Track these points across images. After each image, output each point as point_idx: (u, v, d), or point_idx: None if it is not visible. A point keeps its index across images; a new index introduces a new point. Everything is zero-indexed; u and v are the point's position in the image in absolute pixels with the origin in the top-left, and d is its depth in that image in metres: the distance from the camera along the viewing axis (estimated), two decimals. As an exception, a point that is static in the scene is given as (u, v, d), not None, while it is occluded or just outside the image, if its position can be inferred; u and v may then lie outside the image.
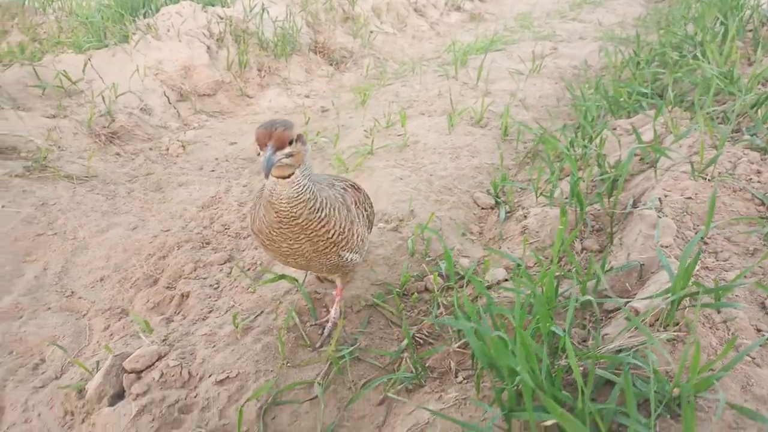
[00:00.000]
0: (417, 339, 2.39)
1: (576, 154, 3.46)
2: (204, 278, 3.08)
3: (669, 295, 1.71)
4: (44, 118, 4.42)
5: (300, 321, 2.45)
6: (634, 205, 2.70)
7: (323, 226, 1.94)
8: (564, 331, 1.69)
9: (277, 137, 1.71)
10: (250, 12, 6.37)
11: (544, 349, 1.48)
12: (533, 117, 4.60)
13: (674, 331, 1.71)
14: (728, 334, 1.69)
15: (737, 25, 4.75)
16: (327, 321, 2.46)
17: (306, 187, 1.86)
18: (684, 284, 1.68)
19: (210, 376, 2.24)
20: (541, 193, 3.25)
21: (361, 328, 2.45)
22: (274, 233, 1.94)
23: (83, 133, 4.51)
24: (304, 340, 2.38)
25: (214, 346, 2.40)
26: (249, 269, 3.08)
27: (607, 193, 2.81)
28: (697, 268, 2.02)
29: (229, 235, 3.49)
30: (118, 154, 4.51)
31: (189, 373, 2.28)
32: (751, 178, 2.55)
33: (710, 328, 1.73)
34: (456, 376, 2.09)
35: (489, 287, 2.54)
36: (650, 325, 1.78)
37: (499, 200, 3.46)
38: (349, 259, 2.14)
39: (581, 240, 2.69)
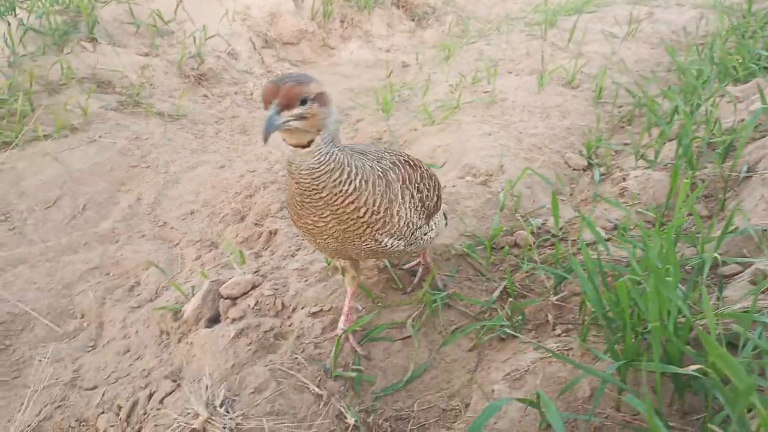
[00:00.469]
0: (508, 291, 2.34)
1: (681, 118, 3.26)
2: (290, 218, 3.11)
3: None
4: (138, 56, 4.54)
5: (390, 264, 2.44)
6: (749, 172, 2.52)
7: (351, 202, 1.63)
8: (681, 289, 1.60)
9: (284, 94, 1.43)
10: (335, -38, 6.29)
11: (674, 303, 1.40)
12: (628, 81, 4.36)
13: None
14: None
15: None
16: (418, 265, 2.44)
17: (331, 155, 1.56)
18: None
19: (303, 308, 2.28)
20: (641, 156, 3.08)
21: (450, 274, 2.42)
22: (298, 207, 1.69)
23: (173, 72, 4.62)
24: (395, 282, 2.37)
25: (306, 280, 2.43)
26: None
27: (720, 157, 2.64)
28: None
29: (313, 179, 3.51)
30: (205, 95, 4.60)
31: (282, 303, 2.32)
32: None
33: None
34: (554, 329, 2.04)
35: (587, 245, 2.45)
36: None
37: (592, 162, 3.32)
38: (390, 246, 1.78)
39: (693, 205, 2.54)
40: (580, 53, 4.88)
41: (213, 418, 1.75)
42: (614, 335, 1.61)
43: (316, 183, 1.58)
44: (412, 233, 1.85)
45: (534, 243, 2.55)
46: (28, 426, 2.05)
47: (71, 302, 2.68)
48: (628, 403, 1.42)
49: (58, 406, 2.14)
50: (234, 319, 2.26)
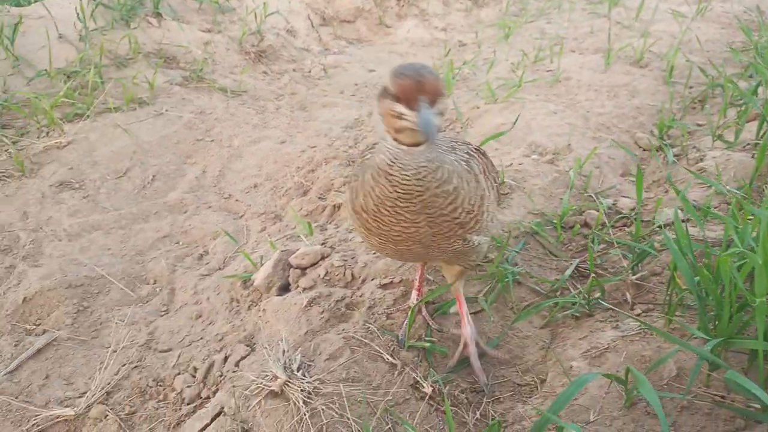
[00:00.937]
0: (580, 270, 2.30)
1: (762, 98, 3.10)
2: (354, 193, 3.12)
3: None
4: (200, 32, 4.61)
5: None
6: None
7: (451, 203, 1.49)
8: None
9: (430, 89, 1.27)
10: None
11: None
12: (700, 61, 4.17)
13: None
14: None
15: None
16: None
17: (437, 153, 1.44)
18: None
19: (373, 279, 2.28)
20: (718, 137, 2.96)
21: (517, 249, 2.38)
22: (386, 213, 1.49)
23: (234, 49, 4.67)
24: (464, 257, 2.35)
25: (375, 253, 2.43)
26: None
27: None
28: None
29: (374, 156, 3.50)
30: (265, 72, 4.64)
31: (352, 274, 2.34)
32: None
33: None
34: (632, 308, 1.99)
35: (660, 227, 2.37)
36: None
37: (664, 142, 3.20)
38: (476, 244, 1.66)
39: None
40: (646, 32, 4.69)
41: (291, 381, 1.78)
42: (707, 314, 1.55)
43: (420, 184, 1.41)
44: (493, 226, 1.75)
45: (607, 222, 2.49)
46: (108, 383, 2.13)
47: (144, 268, 2.76)
48: (724, 381, 1.37)
49: (135, 366, 2.22)
50: (305, 288, 2.29)
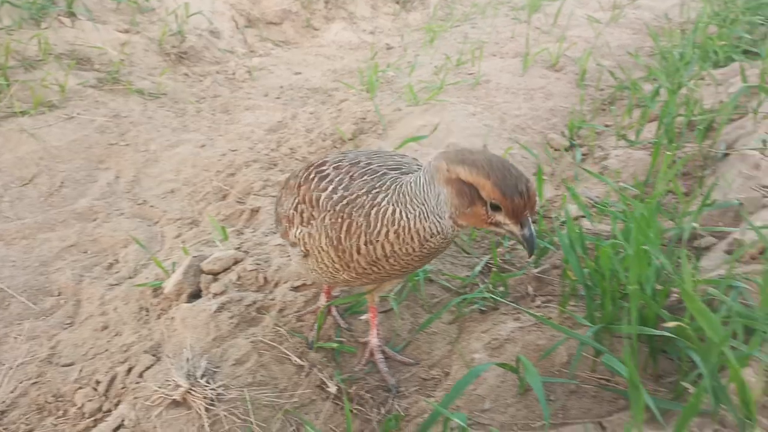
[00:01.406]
0: (489, 266, 2.36)
1: (662, 99, 3.29)
2: (273, 196, 3.09)
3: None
4: (118, 33, 4.45)
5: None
6: (727, 150, 2.56)
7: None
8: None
9: (534, 205, 1.34)
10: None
11: (652, 268, 1.42)
12: (611, 65, 4.39)
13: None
14: None
15: None
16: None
17: None
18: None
19: (285, 282, 2.27)
20: (621, 136, 3.11)
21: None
22: (389, 261, 1.50)
23: (154, 50, 4.54)
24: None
25: (288, 255, 2.41)
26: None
27: (700, 135, 2.67)
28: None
29: (296, 159, 3.49)
30: (186, 74, 4.53)
31: (265, 278, 2.31)
32: None
33: (824, 265, 1.64)
34: (533, 301, 2.06)
35: (563, 223, 2.47)
36: (752, 258, 1.69)
37: (574, 142, 3.34)
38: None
39: (674, 182, 2.57)
40: (563, 37, 4.89)
41: (194, 388, 1.74)
42: (593, 302, 1.63)
43: (442, 249, 1.52)
44: None
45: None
46: (2, 402, 2.02)
47: (48, 280, 2.63)
48: (605, 366, 1.44)
49: (34, 383, 2.10)
50: (215, 294, 2.24)
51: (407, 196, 1.45)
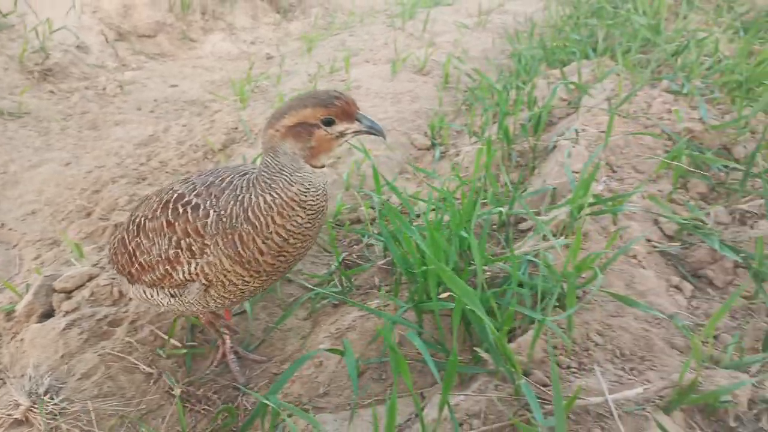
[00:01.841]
0: (347, 262, 2.49)
1: (510, 97, 3.58)
2: (139, 210, 3.08)
3: (569, 206, 1.86)
4: (-30, 52, 4.23)
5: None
6: (557, 142, 2.85)
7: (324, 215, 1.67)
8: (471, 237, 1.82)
9: (352, 100, 1.52)
10: (193, -46, 6.17)
11: (453, 248, 1.60)
12: (474, 67, 4.69)
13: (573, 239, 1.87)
14: (621, 242, 1.86)
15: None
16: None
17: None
18: (583, 194, 1.83)
19: (141, 294, 2.29)
20: (474, 134, 3.36)
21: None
22: (285, 248, 1.57)
23: (14, 68, 4.34)
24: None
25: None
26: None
27: (533, 130, 2.95)
28: (601, 189, 2.18)
29: (166, 172, 3.48)
30: (52, 91, 4.37)
31: (120, 291, 2.32)
32: (662, 116, 2.73)
33: (605, 237, 1.90)
34: (380, 290, 2.21)
35: (418, 216, 2.66)
36: (553, 234, 1.92)
37: (435, 142, 3.57)
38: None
39: (508, 173, 2.83)
40: (433, 42, 5.17)
41: (35, 406, 1.74)
42: (414, 285, 1.80)
43: (323, 204, 1.59)
44: None
45: (375, 217, 2.72)
46: None
47: None
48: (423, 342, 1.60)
49: None
50: (67, 312, 2.23)
51: (265, 180, 1.56)
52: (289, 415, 1.53)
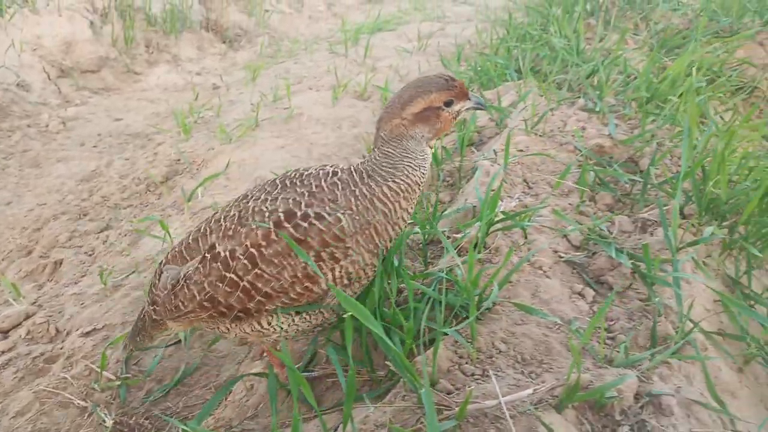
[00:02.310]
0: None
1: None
2: (79, 246, 3.11)
3: (478, 223, 2.00)
4: None
5: (170, 276, 2.57)
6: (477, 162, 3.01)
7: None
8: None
9: (461, 81, 1.68)
10: (136, -12, 6.23)
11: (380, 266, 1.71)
12: (414, 90, 4.87)
13: (485, 254, 2.00)
14: (527, 254, 2.00)
15: (592, 5, 5.27)
16: None
17: None
18: (491, 212, 1.98)
19: (77, 329, 2.33)
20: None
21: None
22: (401, 229, 1.70)
23: (-50, 109, 4.32)
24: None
25: (83, 303, 2.47)
26: (126, 235, 3.13)
27: (460, 151, 3.11)
28: (514, 205, 2.34)
29: (107, 206, 3.51)
30: (-9, 131, 4.36)
31: (56, 329, 2.36)
32: (575, 134, 2.92)
33: (515, 250, 2.04)
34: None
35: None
36: (467, 250, 2.06)
37: (373, 165, 3.70)
38: None
39: (437, 193, 2.97)
40: (374, 68, 5.34)
41: (-34, 448, 1.76)
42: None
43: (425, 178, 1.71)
44: None
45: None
46: None
47: None
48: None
49: None
50: (3, 351, 2.25)
51: (387, 170, 1.64)
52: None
